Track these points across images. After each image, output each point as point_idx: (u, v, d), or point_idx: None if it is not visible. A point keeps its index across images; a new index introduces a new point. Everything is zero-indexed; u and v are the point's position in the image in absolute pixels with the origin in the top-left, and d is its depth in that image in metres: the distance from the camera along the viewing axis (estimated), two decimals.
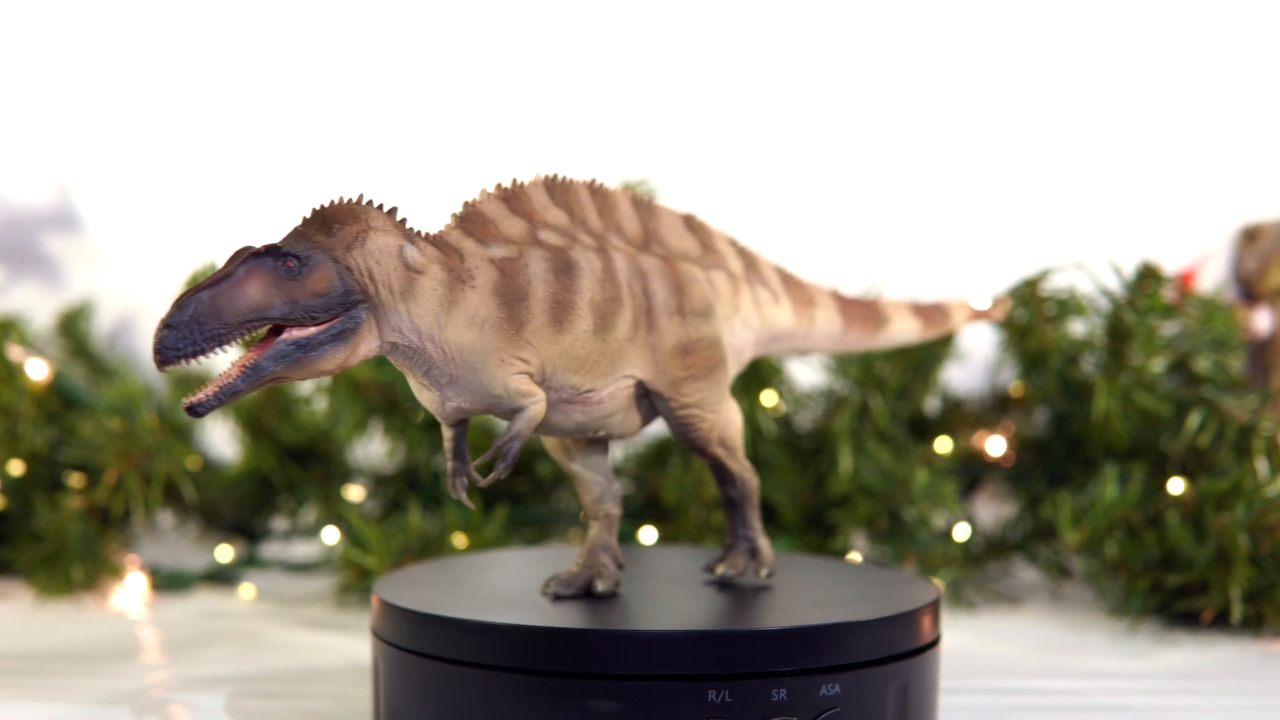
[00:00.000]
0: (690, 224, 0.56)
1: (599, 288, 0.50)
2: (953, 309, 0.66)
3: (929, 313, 0.65)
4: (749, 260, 0.58)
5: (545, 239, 0.51)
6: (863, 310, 0.62)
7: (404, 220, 0.49)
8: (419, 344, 0.48)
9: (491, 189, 0.52)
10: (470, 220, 0.50)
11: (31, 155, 1.18)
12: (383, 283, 0.47)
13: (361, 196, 0.48)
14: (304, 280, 0.46)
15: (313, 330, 0.46)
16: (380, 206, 0.48)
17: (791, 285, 0.59)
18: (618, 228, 0.54)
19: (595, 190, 0.54)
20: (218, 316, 0.45)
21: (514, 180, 0.52)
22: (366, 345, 0.47)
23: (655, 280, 0.53)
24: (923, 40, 1.20)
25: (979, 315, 0.69)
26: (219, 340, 0.45)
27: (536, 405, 0.49)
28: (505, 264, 0.49)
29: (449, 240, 0.50)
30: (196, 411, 0.45)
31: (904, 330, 0.63)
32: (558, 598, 0.53)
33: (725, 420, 0.54)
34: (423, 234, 0.49)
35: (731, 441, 0.54)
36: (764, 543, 0.55)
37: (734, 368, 0.56)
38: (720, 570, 0.55)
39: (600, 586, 0.53)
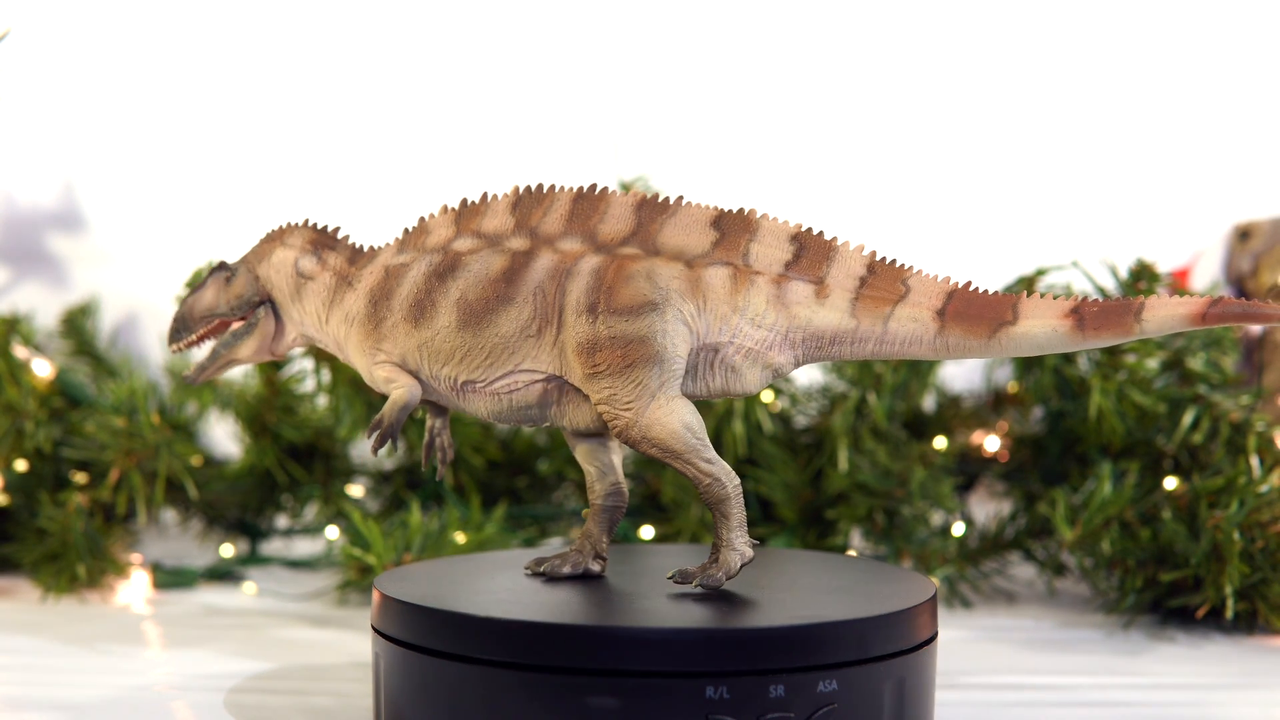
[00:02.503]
0: (720, 219, 0.54)
1: (478, 288, 0.55)
2: (1151, 309, 0.51)
3: (1095, 313, 0.51)
4: (810, 253, 0.54)
5: (457, 246, 0.56)
6: (978, 309, 0.53)
7: (339, 238, 0.60)
8: (316, 336, 0.60)
9: (454, 204, 0.58)
10: (411, 231, 0.58)
11: (37, 155, 1.19)
12: (278, 287, 0.60)
13: (305, 221, 0.60)
14: (232, 286, 0.60)
15: (239, 324, 0.61)
16: (310, 225, 0.60)
17: (875, 281, 0.53)
18: (589, 231, 0.55)
19: (581, 196, 0.56)
20: (190, 314, 0.61)
21: (484, 194, 0.57)
22: (286, 335, 0.61)
23: (579, 280, 0.53)
24: (922, 40, 1.20)
25: (1217, 317, 0.50)
26: (191, 330, 0.61)
27: (400, 390, 0.56)
28: (394, 269, 0.57)
29: (378, 252, 0.59)
30: (188, 380, 0.62)
31: (1039, 332, 0.52)
32: (534, 574, 0.57)
33: (649, 421, 0.52)
34: (358, 246, 0.60)
35: (665, 444, 0.52)
36: (727, 555, 0.53)
37: (754, 373, 0.54)
38: (670, 574, 0.54)
39: (546, 566, 0.57)
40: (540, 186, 0.56)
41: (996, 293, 0.53)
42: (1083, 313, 0.51)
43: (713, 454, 0.53)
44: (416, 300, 0.56)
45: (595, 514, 0.57)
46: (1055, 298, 0.52)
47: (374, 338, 0.56)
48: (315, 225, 0.60)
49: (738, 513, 0.53)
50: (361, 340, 0.57)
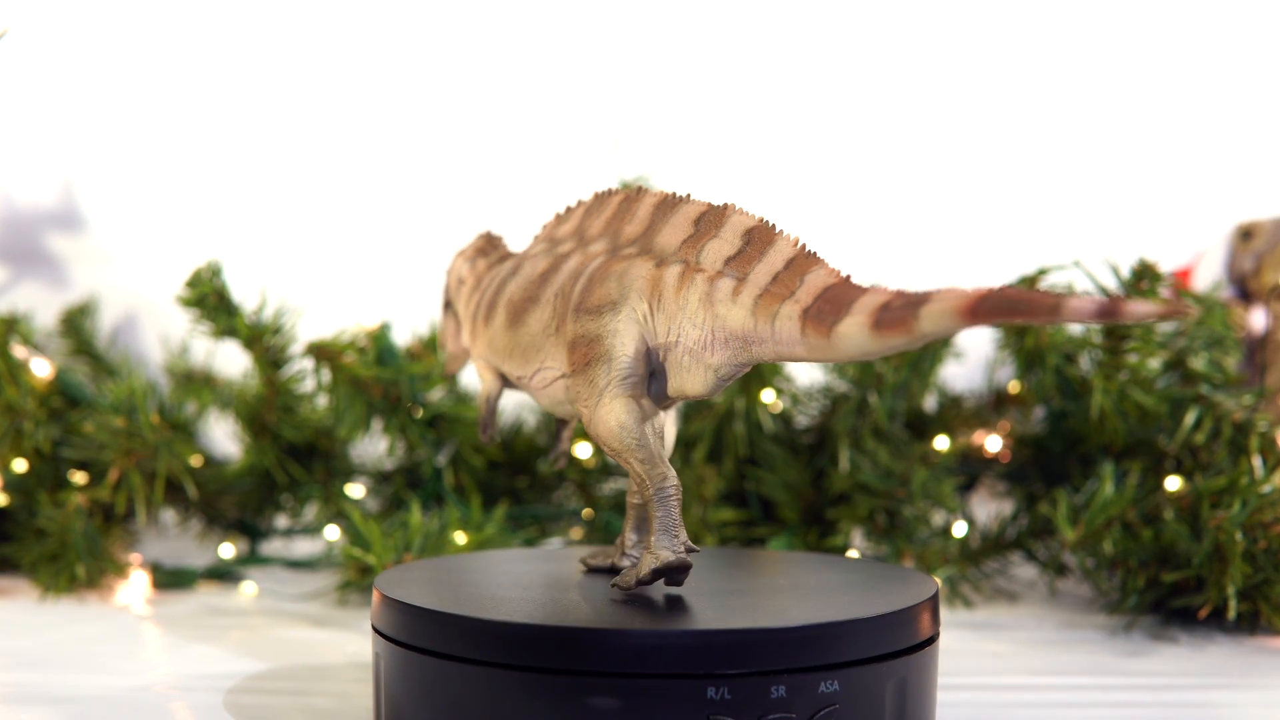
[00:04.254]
0: (702, 217, 0.52)
1: (521, 288, 0.57)
2: (929, 305, 0.45)
3: (897, 308, 0.46)
4: (751, 248, 0.51)
5: (531, 250, 0.59)
6: (831, 307, 0.48)
7: (499, 246, 0.64)
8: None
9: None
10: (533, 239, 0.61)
11: (36, 155, 1.18)
12: (450, 291, 0.65)
13: (486, 232, 0.65)
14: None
15: None
16: (484, 234, 0.64)
17: (783, 276, 0.50)
18: (615, 232, 0.55)
19: (626, 198, 0.56)
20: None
21: (579, 200, 0.60)
22: (462, 333, 0.64)
23: (582, 280, 0.54)
24: (923, 40, 1.20)
25: (988, 314, 0.43)
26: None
27: (484, 384, 0.61)
28: (494, 273, 0.61)
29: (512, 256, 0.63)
30: (447, 371, 0.67)
31: (851, 333, 0.47)
32: (583, 567, 0.59)
33: (596, 419, 0.52)
34: (507, 254, 0.63)
35: (606, 441, 0.52)
36: (645, 558, 0.52)
37: (698, 373, 0.51)
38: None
39: (586, 557, 0.59)
40: (609, 192, 0.57)
41: (862, 286, 0.48)
42: (885, 310, 0.46)
43: (649, 455, 0.51)
44: (489, 302, 0.59)
45: (626, 511, 0.58)
46: (871, 294, 0.47)
47: (472, 335, 0.61)
48: (489, 234, 0.64)
49: (663, 517, 0.51)
50: (469, 337, 0.62)
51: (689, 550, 0.52)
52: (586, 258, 0.55)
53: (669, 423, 0.58)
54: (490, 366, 0.60)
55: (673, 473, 0.52)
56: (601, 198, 0.57)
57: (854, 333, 0.46)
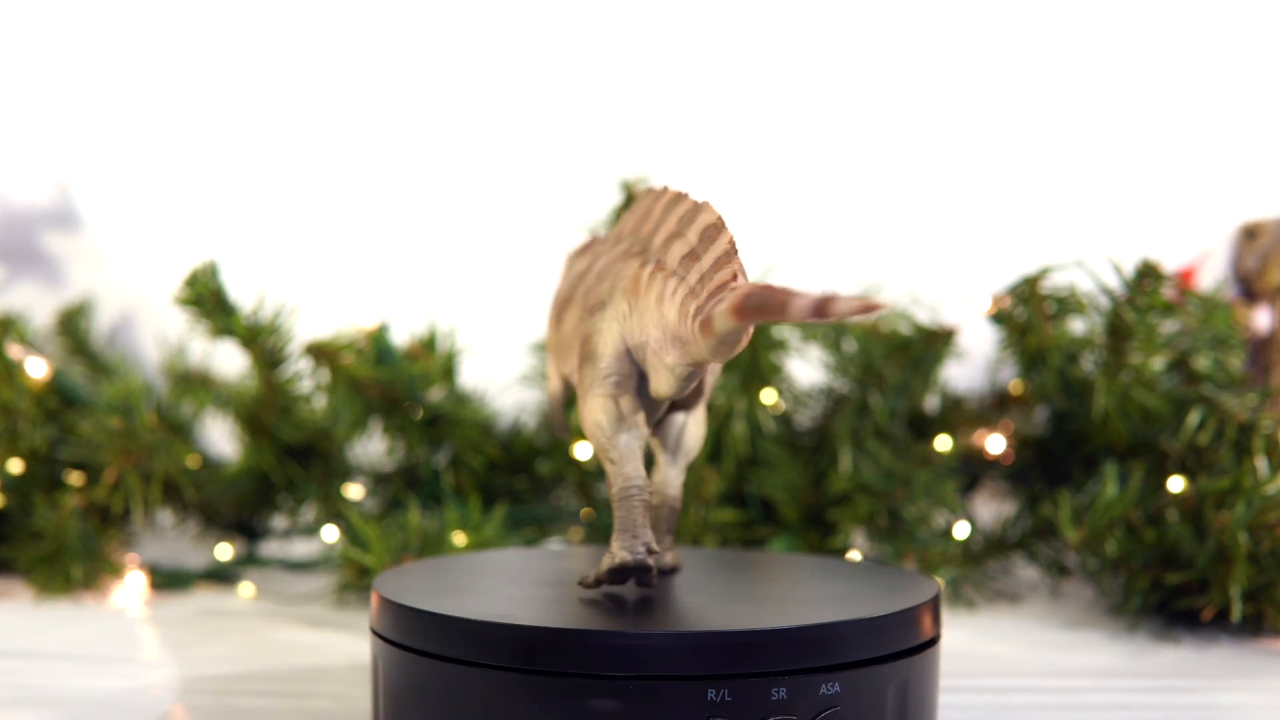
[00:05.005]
0: (684, 215, 0.52)
1: (567, 288, 0.58)
2: (720, 305, 0.45)
3: (718, 312, 0.45)
4: (700, 247, 0.49)
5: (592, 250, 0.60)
6: (709, 307, 0.47)
7: (594, 244, 0.61)
8: None
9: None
10: None
11: (32, 154, 1.18)
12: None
13: (592, 234, 0.64)
14: None
15: None
16: (592, 237, 0.62)
17: (706, 275, 0.48)
18: (637, 231, 0.55)
19: (657, 196, 0.55)
20: None
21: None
22: None
23: (599, 279, 0.55)
24: (923, 40, 1.20)
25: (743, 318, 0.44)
26: None
27: (549, 381, 0.62)
28: None
29: None
30: None
31: (697, 335, 0.47)
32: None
33: (582, 414, 0.53)
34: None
35: (588, 439, 0.53)
36: (604, 557, 0.52)
37: (661, 373, 0.51)
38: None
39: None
40: (648, 190, 0.57)
41: (734, 286, 0.46)
42: (718, 311, 0.45)
43: (620, 455, 0.51)
44: (552, 301, 0.60)
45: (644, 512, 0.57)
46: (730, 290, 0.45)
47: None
48: (594, 235, 0.63)
49: (623, 517, 0.51)
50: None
51: (650, 552, 0.51)
52: (611, 257, 0.55)
53: (692, 422, 0.57)
54: (554, 364, 0.61)
55: (640, 475, 0.51)
56: (643, 196, 0.57)
57: (698, 334, 0.47)
